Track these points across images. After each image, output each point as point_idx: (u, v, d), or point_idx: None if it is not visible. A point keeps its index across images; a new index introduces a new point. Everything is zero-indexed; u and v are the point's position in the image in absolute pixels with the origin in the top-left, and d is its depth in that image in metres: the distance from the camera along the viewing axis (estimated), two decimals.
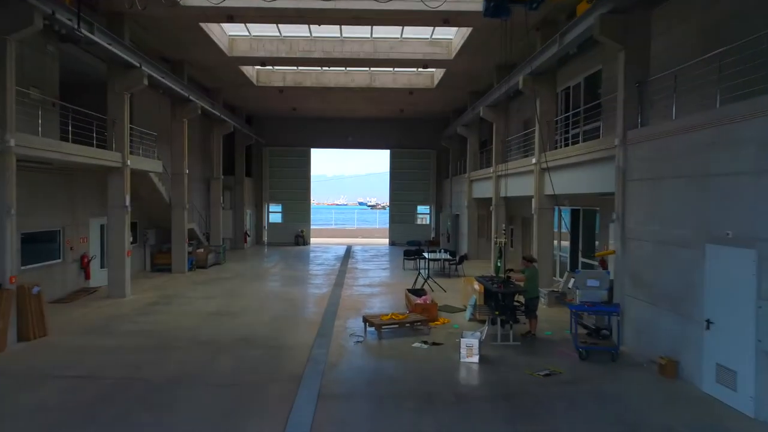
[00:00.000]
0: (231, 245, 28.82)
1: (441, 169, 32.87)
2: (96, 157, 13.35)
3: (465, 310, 13.24)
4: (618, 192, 10.16)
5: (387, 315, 11.28)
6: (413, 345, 10.14)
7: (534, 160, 14.98)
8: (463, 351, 9.05)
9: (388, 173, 33.25)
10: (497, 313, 10.15)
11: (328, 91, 24.68)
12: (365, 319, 11.18)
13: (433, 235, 33.13)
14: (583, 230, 16.42)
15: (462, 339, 9.18)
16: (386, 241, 34.93)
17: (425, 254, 20.03)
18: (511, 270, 11.07)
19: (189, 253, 20.28)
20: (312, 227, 51.02)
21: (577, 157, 12.33)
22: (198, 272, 19.75)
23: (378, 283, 17.87)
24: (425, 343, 10.21)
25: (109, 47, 12.81)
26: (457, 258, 20.55)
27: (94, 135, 13.67)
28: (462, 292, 14.50)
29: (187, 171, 19.39)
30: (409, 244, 32.29)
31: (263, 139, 32.11)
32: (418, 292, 13.71)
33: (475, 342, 9.04)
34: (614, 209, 10.29)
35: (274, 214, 33.36)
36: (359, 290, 16.37)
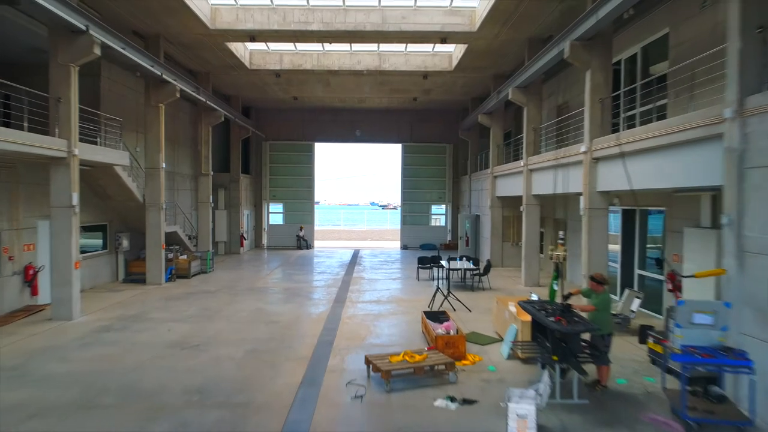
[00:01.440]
0: (226, 249, 26.02)
1: (458, 165, 29.79)
2: (32, 144, 10.52)
3: (500, 340, 10.21)
4: (730, 185, 7.07)
5: (398, 355, 8.27)
6: (435, 404, 7.13)
7: (584, 148, 11.88)
8: (512, 424, 6.03)
9: (400, 170, 30.24)
10: (556, 358, 7.09)
11: (332, 75, 21.74)
12: (368, 361, 8.20)
13: (449, 238, 30.05)
14: (639, 237, 13.29)
15: (509, 403, 6.15)
16: (398, 244, 31.94)
17: (443, 262, 17.04)
18: (569, 295, 7.98)
19: (168, 260, 17.46)
20: (319, 228, 48.20)
21: (654, 140, 9.21)
22: (178, 283, 16.90)
23: (387, 298, 14.87)
24: (452, 399, 7.19)
25: (43, 3, 9.98)
26: (482, 267, 17.46)
27: (26, 116, 10.84)
28: (494, 315, 11.44)
29: (164, 165, 16.54)
30: (422, 248, 29.33)
31: (263, 132, 29.28)
32: (439, 317, 10.70)
33: (531, 410, 6.01)
34: (723, 210, 7.19)
35: (275, 214, 30.50)
36: (364, 309, 13.38)
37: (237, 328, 11.32)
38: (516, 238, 21.49)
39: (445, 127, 29.74)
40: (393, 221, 61.04)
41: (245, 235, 26.85)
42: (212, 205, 21.58)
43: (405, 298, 14.92)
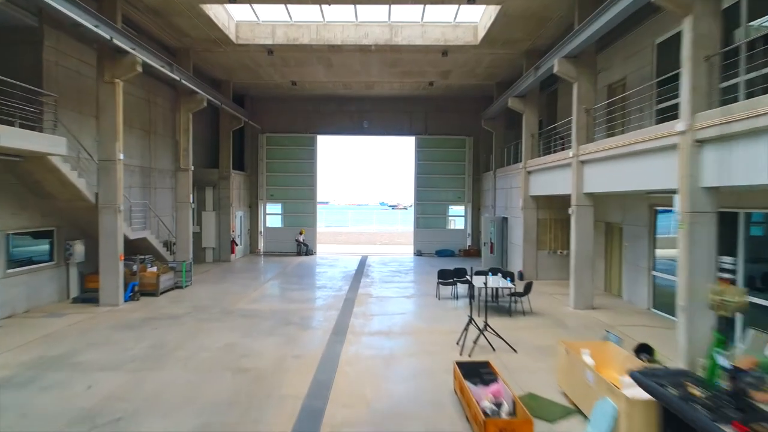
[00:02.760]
0: (214, 257, 22.74)
1: (479, 161, 26.29)
2: None
3: (574, 410, 6.76)
4: None
5: None
6: None
7: (682, 126, 8.39)
8: None
9: (413, 166, 26.80)
10: None
11: (334, 52, 18.37)
12: None
13: (468, 243, 26.56)
14: (745, 248, 9.76)
15: None
16: (410, 249, 28.51)
17: (473, 280, 13.65)
18: (737, 372, 4.48)
19: (132, 274, 14.19)
20: (325, 230, 44.86)
21: None
22: (141, 304, 13.62)
23: (402, 328, 11.46)
24: None
25: None
26: (517, 283, 13.98)
27: None
28: (559, 367, 7.95)
29: (122, 156, 13.24)
30: (438, 255, 25.88)
31: (259, 124, 25.98)
32: (480, 373, 7.26)
33: None
34: None
35: (273, 216, 27.20)
36: (371, 345, 9.98)
37: (190, 380, 7.96)
38: (555, 245, 17.99)
39: (464, 117, 26.27)
40: (404, 221, 57.60)
41: (237, 240, 23.55)
42: (192, 205, 18.30)
43: (425, 327, 11.48)
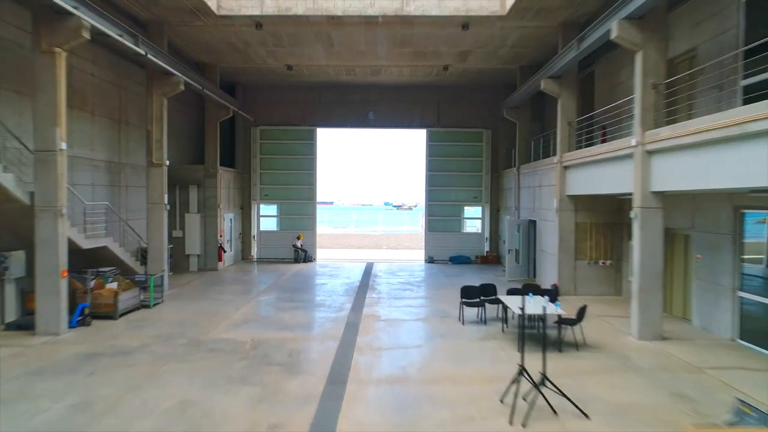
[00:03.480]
0: (200, 265, 20.00)
1: (498, 156, 23.45)
2: None
3: None
4: None
5: None
6: None
7: None
8: None
9: (424, 162, 23.98)
10: None
11: (335, 27, 15.59)
12: None
13: (486, 248, 23.71)
14: None
15: None
16: (420, 255, 25.69)
17: (506, 302, 10.85)
18: None
19: (83, 293, 11.45)
20: (328, 232, 42.10)
21: None
22: (92, 330, 10.89)
23: (421, 371, 8.65)
24: None
25: None
26: (557, 300, 11.12)
27: None
28: None
29: (64, 146, 10.48)
30: (452, 262, 23.05)
31: (251, 115, 23.23)
32: None
33: None
34: None
35: (267, 218, 24.45)
36: (380, 405, 7.18)
37: None
38: (596, 254, 15.15)
39: (481, 108, 23.43)
40: (411, 222, 54.82)
41: (225, 246, 20.77)
42: (167, 206, 15.54)
43: (453, 370, 8.65)
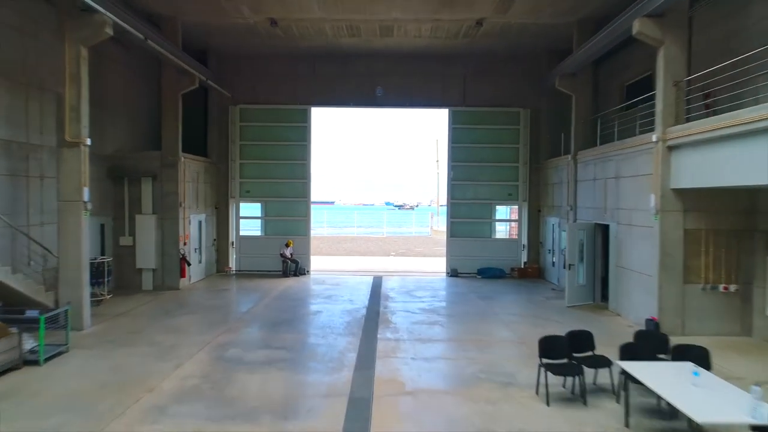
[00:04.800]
0: (155, 283, 15.19)
1: (540, 141, 18.61)
2: None
3: None
4: None
5: None
6: None
7: None
8: None
9: (446, 149, 19.13)
10: None
11: None
12: None
13: (524, 258, 18.86)
14: None
15: None
16: (437, 264, 20.90)
17: (650, 383, 6.00)
18: None
19: None
20: (326, 234, 37.32)
21: None
22: None
23: None
24: None
25: None
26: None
27: None
28: None
29: None
30: (482, 275, 18.23)
31: (229, 91, 18.41)
32: None
33: None
34: None
35: (249, 220, 19.66)
36: None
37: None
38: (714, 275, 10.34)
39: (519, 81, 18.62)
40: (420, 223, 49.97)
41: (189, 258, 15.91)
42: (88, 206, 10.74)
43: None
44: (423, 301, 14.15)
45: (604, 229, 13.69)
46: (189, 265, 15.65)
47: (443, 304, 13.94)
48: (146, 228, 15.12)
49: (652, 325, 10.39)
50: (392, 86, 18.80)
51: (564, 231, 16.02)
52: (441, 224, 45.36)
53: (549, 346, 7.32)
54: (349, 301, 14.12)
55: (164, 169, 15.28)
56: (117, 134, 15.17)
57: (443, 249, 30.30)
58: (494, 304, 13.76)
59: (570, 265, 13.45)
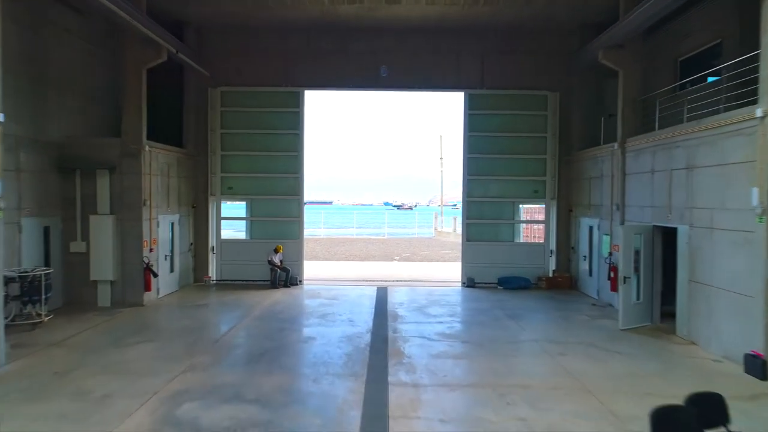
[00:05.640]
0: (113, 299, 12.53)
1: (572, 129, 15.96)
2: None
3: None
4: None
5: None
6: None
7: None
8: None
9: (462, 138, 16.45)
10: None
11: None
12: None
13: (552, 266, 16.21)
14: None
15: None
16: (447, 270, 18.25)
17: None
18: None
19: None
20: (323, 235, 34.66)
21: None
22: None
23: None
24: None
25: None
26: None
27: None
28: None
29: None
30: (503, 286, 15.57)
31: (209, 69, 15.72)
32: None
33: None
34: None
35: (232, 221, 16.98)
36: None
37: None
38: None
39: (547, 60, 15.98)
40: (422, 223, 47.27)
41: (155, 267, 13.18)
42: (1, 204, 8.10)
43: None
44: (440, 322, 11.48)
45: (666, 234, 11.06)
46: (155, 276, 12.94)
47: (465, 326, 11.27)
48: (103, 231, 12.42)
49: (758, 360, 7.75)
50: (399, 65, 16.12)
51: (606, 235, 13.39)
52: (446, 225, 42.75)
53: (667, 425, 4.64)
54: (349, 321, 11.44)
55: (125, 159, 12.59)
56: (67, 116, 12.48)
57: (451, 253, 27.87)
58: (528, 326, 11.12)
59: (625, 278, 10.78)
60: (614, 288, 12.56)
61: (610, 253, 12.98)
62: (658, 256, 11.23)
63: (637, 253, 11.00)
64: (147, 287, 12.74)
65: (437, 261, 23.85)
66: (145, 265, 12.66)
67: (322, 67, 16.12)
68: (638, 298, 11.04)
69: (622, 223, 12.45)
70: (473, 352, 9.28)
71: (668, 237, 11.06)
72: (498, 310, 12.71)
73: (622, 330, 10.65)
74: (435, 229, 41.88)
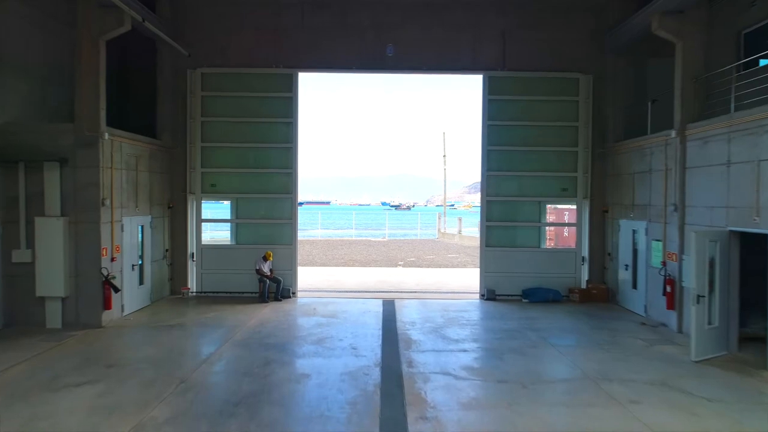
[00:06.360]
0: (66, 318, 10.35)
1: (608, 117, 13.79)
2: None
3: None
4: None
5: None
6: None
7: None
8: None
9: (480, 127, 14.25)
10: None
11: None
12: None
13: (585, 276, 14.05)
14: None
15: None
16: (463, 279, 16.11)
17: None
18: None
19: None
20: (319, 237, 32.47)
21: None
22: None
23: None
24: None
25: None
26: None
27: None
28: None
29: None
30: (530, 299, 13.35)
31: (188, 47, 13.49)
32: None
33: None
34: None
35: (215, 225, 14.75)
36: None
37: None
38: None
39: (578, 37, 13.84)
40: (425, 224, 45.07)
41: (117, 281, 10.93)
42: None
43: None
44: (464, 350, 9.31)
45: (745, 240, 8.93)
46: (117, 291, 10.71)
47: (496, 356, 9.06)
48: (52, 237, 10.21)
49: None
50: (407, 43, 13.94)
51: (657, 240, 11.24)
52: (450, 226, 40.61)
53: None
54: (353, 349, 9.25)
55: (79, 149, 10.39)
56: (11, 99, 10.25)
57: (459, 257, 25.69)
58: (573, 355, 8.95)
59: (699, 296, 8.61)
60: (671, 305, 10.48)
61: (664, 263, 10.84)
62: (735, 268, 9.08)
63: (710, 265, 8.83)
64: (106, 305, 10.53)
65: (446, 267, 21.67)
66: (104, 278, 10.44)
67: (318, 46, 13.93)
68: (710, 321, 8.87)
69: (682, 226, 10.31)
70: (516, 397, 7.10)
71: (746, 245, 8.94)
72: (530, 332, 10.54)
73: (695, 362, 8.49)
74: (438, 230, 39.70)
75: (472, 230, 37.26)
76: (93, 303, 10.42)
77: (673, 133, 10.54)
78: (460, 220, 38.67)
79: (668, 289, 10.52)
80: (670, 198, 10.75)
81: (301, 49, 13.91)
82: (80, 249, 10.40)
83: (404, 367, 8.26)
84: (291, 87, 13.99)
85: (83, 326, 10.30)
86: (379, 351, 9.17)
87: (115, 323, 10.79)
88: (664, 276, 10.67)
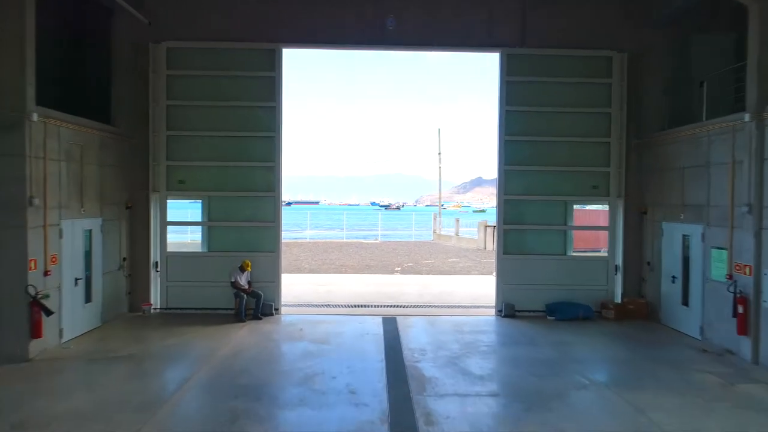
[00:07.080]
0: None
1: (647, 101, 11.76)
2: None
3: None
4: None
5: None
6: None
7: None
8: None
9: (497, 114, 12.15)
10: None
11: None
12: None
13: (619, 289, 11.99)
14: None
15: None
16: (471, 287, 14.02)
17: None
18: None
19: None
20: (309, 238, 30.24)
21: None
22: None
23: None
24: None
25: None
26: None
27: None
28: None
29: None
30: (556, 316, 11.20)
31: (150, 16, 11.21)
32: None
33: None
34: None
35: (183, 228, 12.47)
36: None
37: None
38: None
39: (609, 8, 11.79)
40: (419, 225, 42.92)
41: (50, 301, 8.66)
42: None
43: None
44: (493, 394, 7.21)
45: None
46: (49, 314, 8.44)
47: (539, 403, 6.94)
48: None
49: None
50: (410, 15, 11.80)
51: (719, 249, 9.23)
52: (446, 227, 38.56)
53: None
54: (350, 394, 7.09)
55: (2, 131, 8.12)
56: None
57: (460, 262, 23.55)
58: (639, 402, 6.86)
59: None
60: (744, 330, 8.48)
61: (730, 276, 8.82)
62: None
63: None
64: (35, 332, 8.27)
65: (448, 273, 19.57)
66: (31, 298, 8.19)
67: (306, 16, 11.74)
68: None
69: (759, 232, 8.29)
70: None
71: None
72: (571, 363, 8.48)
73: None
74: (434, 231, 37.60)
75: (468, 231, 35.24)
76: (16, 330, 8.17)
77: (747, 117, 8.50)
78: (457, 221, 36.61)
79: (740, 309, 8.49)
80: (741, 197, 8.72)
81: (285, 19, 11.71)
82: (1, 261, 8.14)
83: (421, 425, 6.12)
84: (274, 65, 11.77)
85: (5, 360, 8.05)
86: (384, 395, 7.03)
87: (49, 354, 8.55)
88: (734, 293, 8.64)
